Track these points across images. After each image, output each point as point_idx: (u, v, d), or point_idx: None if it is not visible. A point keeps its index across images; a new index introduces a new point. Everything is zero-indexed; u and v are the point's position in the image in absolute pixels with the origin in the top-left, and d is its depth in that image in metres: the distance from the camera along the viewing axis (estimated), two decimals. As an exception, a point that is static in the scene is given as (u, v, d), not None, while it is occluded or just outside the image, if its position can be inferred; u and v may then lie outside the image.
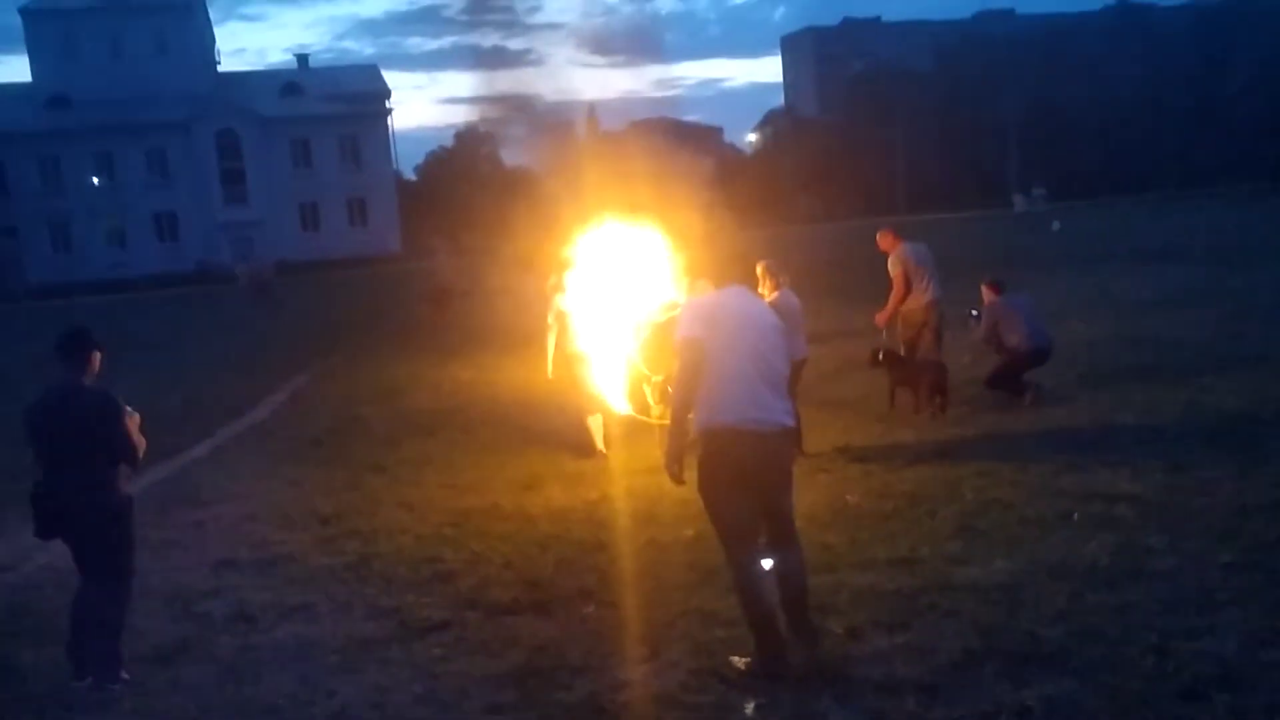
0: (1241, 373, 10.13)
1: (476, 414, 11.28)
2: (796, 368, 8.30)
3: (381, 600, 5.82)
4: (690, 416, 4.59)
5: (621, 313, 8.63)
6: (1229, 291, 16.33)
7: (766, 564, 4.61)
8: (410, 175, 77.27)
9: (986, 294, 10.09)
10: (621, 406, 8.41)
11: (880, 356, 9.78)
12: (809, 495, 7.25)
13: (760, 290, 8.35)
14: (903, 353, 9.92)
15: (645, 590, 5.63)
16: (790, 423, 4.74)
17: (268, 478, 9.11)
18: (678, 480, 4.59)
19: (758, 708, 4.23)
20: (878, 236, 10.34)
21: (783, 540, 4.68)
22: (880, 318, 10.24)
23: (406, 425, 11.07)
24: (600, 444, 8.92)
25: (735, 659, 4.60)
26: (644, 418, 8.32)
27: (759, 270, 8.38)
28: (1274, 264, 19.64)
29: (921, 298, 9.84)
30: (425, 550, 6.65)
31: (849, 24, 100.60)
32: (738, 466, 4.51)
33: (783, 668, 4.46)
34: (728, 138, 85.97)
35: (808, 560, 4.88)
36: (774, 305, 8.09)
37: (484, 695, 4.54)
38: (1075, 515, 6.34)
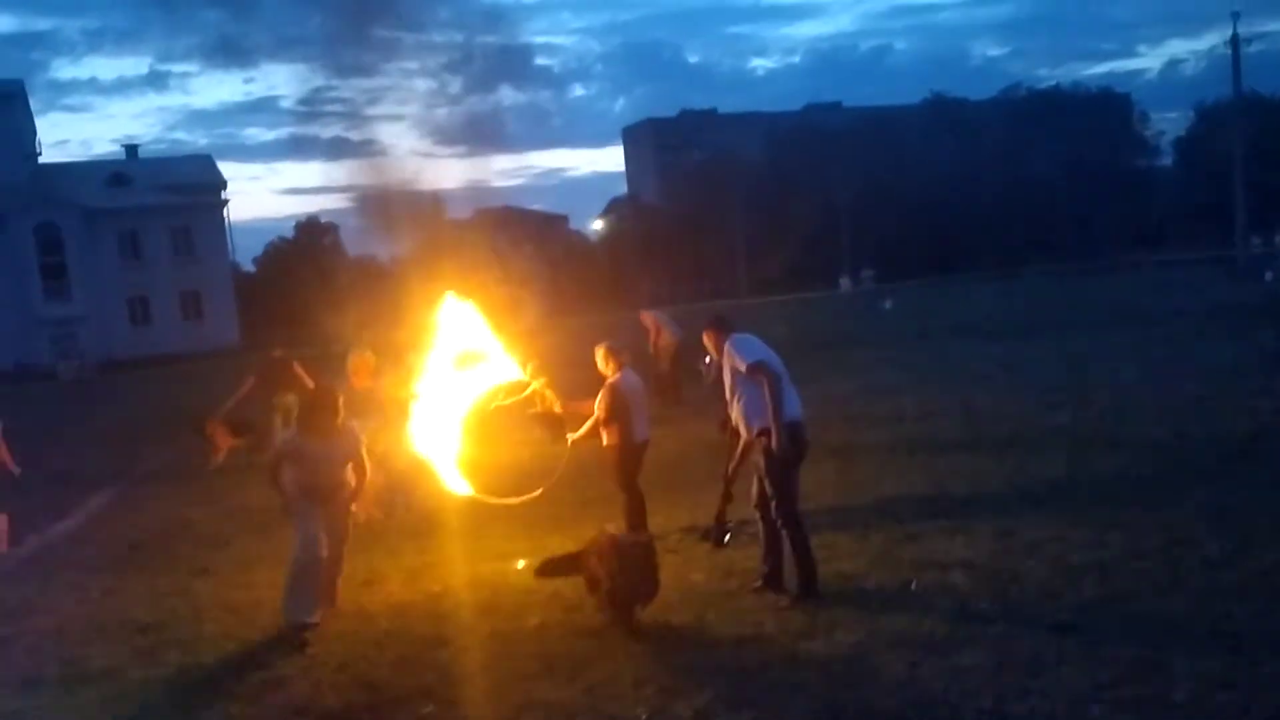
0: (1059, 441, 10.65)
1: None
2: (638, 449, 8.32)
3: (203, 714, 5.44)
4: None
5: (460, 396, 8.49)
6: (1045, 364, 17.27)
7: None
8: (249, 267, 75.27)
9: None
10: (462, 489, 8.20)
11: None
12: (655, 577, 7.21)
13: (602, 372, 8.38)
14: None
15: (487, 684, 5.43)
16: None
17: (81, 588, 8.47)
18: (783, 452, 6.26)
19: None
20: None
21: None
22: None
23: (237, 524, 10.53)
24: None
25: (781, 602, 6.26)
26: (486, 498, 8.16)
27: (600, 353, 8.41)
28: (1082, 337, 20.93)
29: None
30: (253, 657, 6.27)
31: (686, 115, 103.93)
32: (803, 449, 6.44)
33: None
34: (573, 225, 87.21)
35: (658, 641, 5.83)
36: (615, 387, 8.14)
37: (312, 810, 4.26)
38: (914, 584, 6.48)
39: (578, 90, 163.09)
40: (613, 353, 8.34)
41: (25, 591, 8.45)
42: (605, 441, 8.31)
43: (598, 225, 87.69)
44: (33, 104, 67.19)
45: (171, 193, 61.77)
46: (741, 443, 6.68)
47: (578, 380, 9.62)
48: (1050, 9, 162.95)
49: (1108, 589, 6.00)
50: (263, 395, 14.21)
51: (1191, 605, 5.61)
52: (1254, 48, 51.81)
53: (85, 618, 7.52)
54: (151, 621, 7.21)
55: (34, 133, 67.12)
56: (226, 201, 65.33)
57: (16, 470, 10.98)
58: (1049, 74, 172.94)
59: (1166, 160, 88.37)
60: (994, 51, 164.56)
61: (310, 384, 14.63)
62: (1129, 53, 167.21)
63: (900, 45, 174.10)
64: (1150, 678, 4.72)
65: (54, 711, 5.65)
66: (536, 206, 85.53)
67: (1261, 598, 5.60)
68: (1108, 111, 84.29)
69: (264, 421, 14.05)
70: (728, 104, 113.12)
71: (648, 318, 17.40)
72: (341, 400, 6.85)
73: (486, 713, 5.08)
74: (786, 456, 6.30)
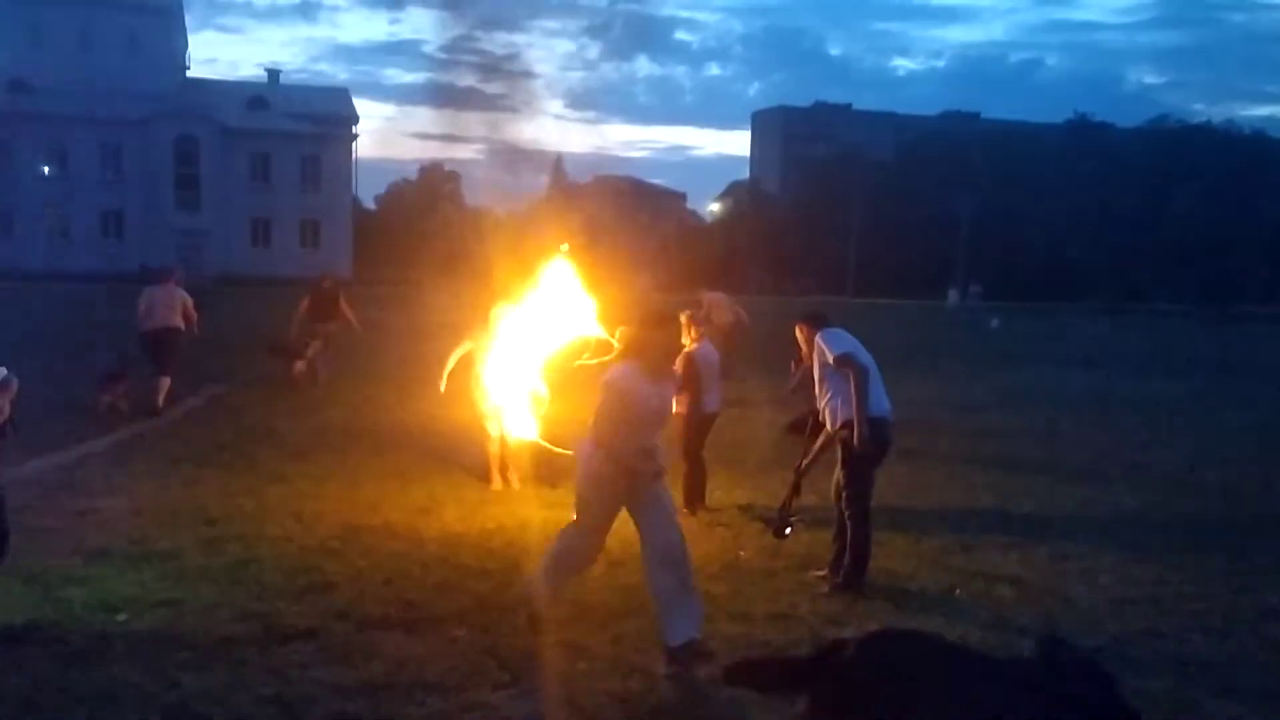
0: (1139, 477, 10.38)
1: (389, 436, 11.17)
2: (706, 420, 8.40)
3: (251, 605, 5.71)
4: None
5: (544, 346, 8.63)
6: (1143, 401, 16.76)
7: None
8: (369, 204, 77.09)
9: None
10: (531, 435, 8.36)
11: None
12: (703, 547, 7.27)
13: (683, 339, 8.45)
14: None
15: (519, 619, 5.57)
16: None
17: (163, 476, 8.93)
18: (863, 446, 6.18)
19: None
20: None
21: None
22: None
23: (318, 440, 10.93)
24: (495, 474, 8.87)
25: (820, 588, 6.32)
26: (550, 447, 8.29)
27: (682, 320, 8.48)
28: (1190, 381, 20.21)
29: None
30: (307, 560, 6.54)
31: (820, 107, 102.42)
32: (884, 446, 6.40)
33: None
34: (690, 204, 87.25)
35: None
36: (691, 356, 8.20)
37: (331, 703, 4.46)
38: (958, 591, 6.44)
39: (713, 69, 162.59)
40: (693, 323, 8.42)
41: (111, 474, 8.94)
42: (674, 409, 8.38)
43: (714, 207, 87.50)
44: (188, 21, 69.82)
45: (306, 121, 63.62)
46: (822, 436, 6.63)
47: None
48: (1216, 43, 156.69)
49: (1155, 624, 5.88)
50: (309, 319, 15.34)
51: (1237, 653, 5.47)
52: None
53: (160, 504, 7.93)
54: (220, 516, 7.58)
55: (185, 47, 69.73)
56: (356, 137, 67.09)
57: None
58: (1204, 110, 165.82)
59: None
60: (1150, 80, 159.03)
61: (352, 318, 15.44)
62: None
63: (1051, 61, 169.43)
64: (1176, 715, 4.62)
65: (115, 582, 5.99)
66: (657, 181, 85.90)
67: (1314, 657, 5.43)
68: (1258, 155, 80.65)
69: (300, 342, 15.24)
70: (863, 101, 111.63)
71: (706, 298, 16.79)
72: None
73: (513, 644, 5.21)
74: (867, 450, 6.26)
